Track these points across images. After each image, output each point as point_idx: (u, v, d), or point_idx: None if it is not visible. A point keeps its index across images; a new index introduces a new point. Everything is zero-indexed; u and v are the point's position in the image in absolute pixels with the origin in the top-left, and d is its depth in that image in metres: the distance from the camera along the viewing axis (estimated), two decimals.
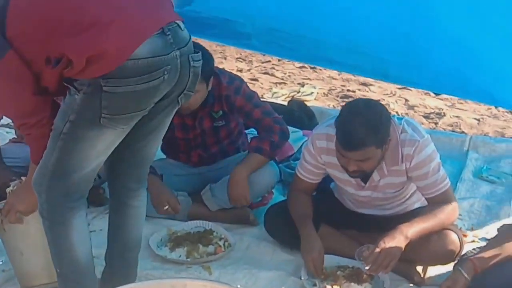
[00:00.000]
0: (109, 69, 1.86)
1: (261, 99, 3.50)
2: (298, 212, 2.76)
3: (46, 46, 1.90)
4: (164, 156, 3.37)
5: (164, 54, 1.94)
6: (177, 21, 2.04)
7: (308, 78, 6.09)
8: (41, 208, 2.12)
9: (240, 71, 6.14)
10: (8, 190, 2.41)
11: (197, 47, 2.15)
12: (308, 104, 4.78)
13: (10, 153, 3.24)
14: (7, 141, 3.55)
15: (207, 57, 2.83)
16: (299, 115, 4.36)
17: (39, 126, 2.04)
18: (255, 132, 3.25)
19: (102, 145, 2.03)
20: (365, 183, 2.67)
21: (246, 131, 3.46)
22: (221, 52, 6.68)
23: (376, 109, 2.46)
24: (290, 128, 3.89)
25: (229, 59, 6.47)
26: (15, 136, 3.54)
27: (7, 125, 3.73)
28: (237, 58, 6.57)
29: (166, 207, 2.99)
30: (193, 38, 2.12)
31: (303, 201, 2.79)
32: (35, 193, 2.13)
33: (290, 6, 3.44)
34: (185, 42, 2.04)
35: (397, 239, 2.43)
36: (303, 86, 5.75)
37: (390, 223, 2.53)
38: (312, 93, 5.52)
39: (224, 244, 2.89)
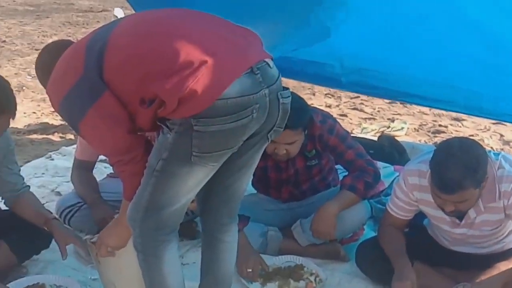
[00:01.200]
0: (199, 109, 1.92)
1: (351, 135, 3.49)
2: (391, 246, 2.72)
3: (140, 88, 1.99)
4: (255, 191, 3.41)
5: (253, 93, 1.98)
6: (266, 59, 2.08)
7: (398, 113, 6.02)
8: (135, 241, 2.20)
9: (329, 106, 6.14)
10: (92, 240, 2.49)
11: (292, 97, 2.18)
12: (398, 139, 4.72)
13: (107, 188, 3.37)
14: (105, 175, 3.68)
15: (304, 107, 2.90)
16: (390, 150, 4.31)
17: (133, 163, 2.12)
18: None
19: (192, 181, 2.08)
20: (461, 220, 2.60)
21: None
22: (309, 88, 6.71)
23: (472, 150, 2.39)
24: (381, 164, 3.88)
25: (317, 95, 6.49)
26: (112, 172, 3.67)
27: (104, 161, 3.88)
28: (325, 94, 6.58)
29: (250, 270, 2.93)
30: (284, 79, 2.15)
31: (395, 235, 2.76)
32: (127, 228, 2.21)
33: (378, 45, 3.41)
34: (274, 79, 2.08)
35: (494, 279, 2.35)
36: (393, 121, 5.68)
37: (487, 262, 2.46)
38: (402, 128, 5.44)
39: (315, 280, 2.87)
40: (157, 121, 2.03)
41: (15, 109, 2.54)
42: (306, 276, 2.89)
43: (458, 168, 2.32)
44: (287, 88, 2.16)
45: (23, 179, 2.95)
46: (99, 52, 2.04)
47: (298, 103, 2.76)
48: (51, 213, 2.99)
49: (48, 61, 2.40)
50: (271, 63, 2.10)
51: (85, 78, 2.05)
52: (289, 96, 2.16)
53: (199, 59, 1.93)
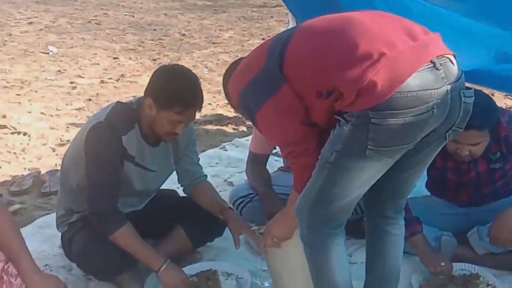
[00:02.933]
0: (377, 101, 1.88)
1: None
2: None
3: (317, 80, 2.00)
4: (428, 193, 3.28)
5: (434, 88, 1.91)
6: (448, 55, 2.00)
7: None
8: (302, 234, 2.21)
9: (510, 108, 5.80)
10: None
11: (478, 95, 2.08)
12: None
13: (278, 181, 3.42)
14: (276, 169, 3.74)
15: (492, 107, 2.75)
16: None
17: (305, 155, 2.13)
18: None
19: (365, 176, 2.05)
20: None
21: None
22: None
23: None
24: None
25: (497, 95, 6.13)
26: (283, 165, 3.71)
27: (275, 154, 3.94)
28: (506, 95, 6.21)
29: (443, 263, 2.82)
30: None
31: None
32: (294, 219, 2.22)
33: None
34: (457, 77, 2.00)
35: None
36: None
37: None
38: None
39: None
40: (334, 114, 2.02)
41: (202, 102, 2.65)
42: (482, 286, 2.74)
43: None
44: (470, 88, 2.07)
45: (202, 168, 3.08)
46: (282, 47, 2.09)
47: (485, 102, 2.62)
48: (226, 202, 3.09)
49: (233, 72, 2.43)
50: (453, 60, 2.02)
51: (266, 70, 2.11)
52: (472, 96, 2.06)
53: (379, 50, 1.90)
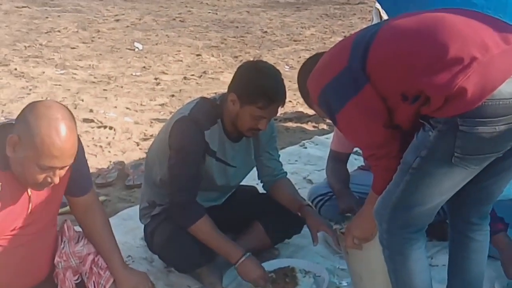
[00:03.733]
0: (467, 108, 1.83)
1: None
2: None
3: (403, 82, 1.96)
4: None
5: None
6: None
7: None
8: (381, 237, 2.19)
9: None
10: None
11: None
12: None
13: (357, 180, 3.38)
14: (356, 167, 3.71)
15: None
16: None
17: (387, 159, 2.10)
18: None
19: (448, 183, 2.01)
20: None
21: None
22: None
23: None
24: None
25: None
26: (363, 164, 3.68)
27: (355, 153, 3.91)
28: None
29: None
30: None
31: None
32: (372, 221, 2.20)
33: None
34: None
35: None
36: None
37: None
38: None
39: None
40: (419, 118, 1.98)
41: (285, 98, 2.68)
42: None
43: None
44: None
45: (281, 165, 3.09)
46: (366, 45, 2.05)
47: None
48: (305, 200, 3.09)
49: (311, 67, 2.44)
50: None
51: (349, 69, 2.07)
52: None
53: (470, 55, 1.84)
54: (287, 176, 3.12)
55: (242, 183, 3.12)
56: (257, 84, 2.61)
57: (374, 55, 2.03)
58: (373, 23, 5.38)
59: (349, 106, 2.08)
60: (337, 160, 3.40)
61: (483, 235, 2.31)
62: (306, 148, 4.67)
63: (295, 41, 8.91)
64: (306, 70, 2.46)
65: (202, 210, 2.71)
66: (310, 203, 3.28)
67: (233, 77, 2.72)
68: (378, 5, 5.22)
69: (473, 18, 2.02)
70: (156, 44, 8.61)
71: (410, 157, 2.02)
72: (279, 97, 2.65)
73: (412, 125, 2.04)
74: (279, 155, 3.10)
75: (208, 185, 2.80)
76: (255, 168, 3.06)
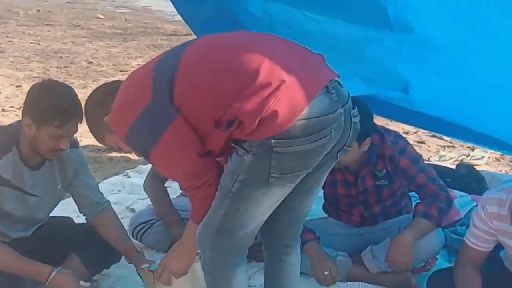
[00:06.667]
0: (280, 130, 1.90)
1: (428, 163, 3.38)
2: (464, 286, 2.60)
3: (214, 109, 1.96)
4: (325, 215, 3.36)
5: (331, 113, 1.96)
6: (337, 79, 2.06)
7: None
8: (204, 264, 2.18)
9: (407, 133, 6.01)
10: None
11: (355, 103, 2.15)
12: (478, 168, 4.56)
13: (179, 206, 3.42)
14: (179, 194, 3.73)
15: (366, 115, 2.71)
16: (468, 179, 4.17)
17: (205, 187, 2.09)
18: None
19: (268, 203, 2.07)
20: None
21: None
22: None
23: None
24: (458, 193, 3.76)
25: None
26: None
27: None
28: None
29: (327, 272, 2.96)
30: None
31: (472, 275, 2.58)
32: (193, 251, 2.22)
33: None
34: (347, 98, 2.06)
35: None
36: (473, 150, 5.50)
37: None
38: (482, 157, 5.25)
39: None
40: (231, 142, 2.00)
41: (81, 113, 2.54)
42: None
43: None
44: (355, 107, 2.13)
45: (102, 194, 2.96)
46: (170, 75, 2.01)
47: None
48: (131, 241, 3.00)
49: (102, 96, 2.42)
50: (341, 82, 2.08)
51: (155, 103, 2.01)
52: (357, 115, 2.13)
53: (279, 78, 1.90)
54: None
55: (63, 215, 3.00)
56: (49, 102, 2.51)
57: (181, 84, 2.00)
58: None
59: (163, 141, 2.01)
60: (158, 179, 3.43)
61: (295, 257, 2.40)
62: (130, 177, 4.61)
63: (121, 71, 8.80)
64: (97, 101, 2.41)
65: None
66: (130, 233, 3.24)
67: (25, 100, 2.60)
68: None
69: (277, 42, 2.11)
70: None
71: (228, 182, 2.03)
72: (75, 112, 2.54)
73: (223, 151, 2.06)
74: (97, 183, 3.01)
75: (5, 216, 2.64)
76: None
